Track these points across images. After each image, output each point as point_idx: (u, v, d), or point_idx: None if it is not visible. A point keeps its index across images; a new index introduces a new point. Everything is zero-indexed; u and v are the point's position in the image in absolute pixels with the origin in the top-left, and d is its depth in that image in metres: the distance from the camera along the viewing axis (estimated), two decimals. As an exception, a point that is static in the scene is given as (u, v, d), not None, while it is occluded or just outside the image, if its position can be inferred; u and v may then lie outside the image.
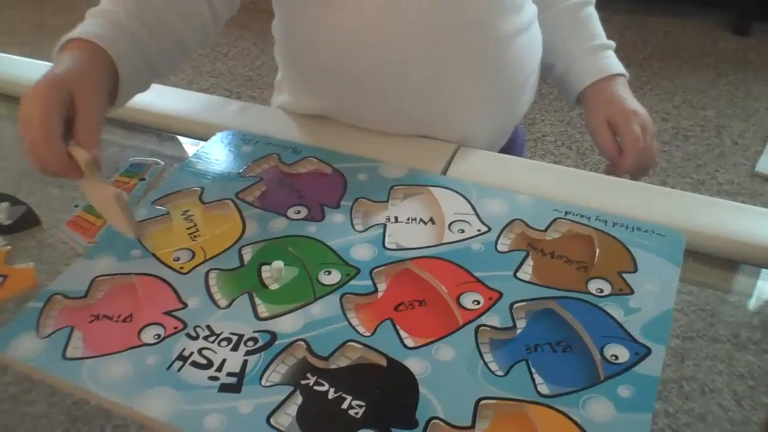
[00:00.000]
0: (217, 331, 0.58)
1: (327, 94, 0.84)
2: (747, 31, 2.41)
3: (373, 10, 0.75)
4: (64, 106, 0.62)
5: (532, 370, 0.55)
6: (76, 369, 0.56)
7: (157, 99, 0.89)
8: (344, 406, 0.53)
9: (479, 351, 0.56)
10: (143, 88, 0.74)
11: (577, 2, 0.91)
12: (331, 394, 0.53)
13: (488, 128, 0.85)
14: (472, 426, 0.51)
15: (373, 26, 0.76)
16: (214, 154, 0.79)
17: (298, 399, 0.53)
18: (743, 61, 2.32)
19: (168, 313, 0.60)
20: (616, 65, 0.89)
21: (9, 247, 0.69)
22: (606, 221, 0.68)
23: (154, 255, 0.66)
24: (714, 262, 0.67)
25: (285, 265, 0.64)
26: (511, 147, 0.95)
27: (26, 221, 0.73)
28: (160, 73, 0.75)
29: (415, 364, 0.55)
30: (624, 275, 0.62)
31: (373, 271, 0.63)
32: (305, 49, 0.83)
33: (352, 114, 0.84)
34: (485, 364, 0.55)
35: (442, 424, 0.51)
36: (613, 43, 0.91)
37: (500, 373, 0.55)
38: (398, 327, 0.58)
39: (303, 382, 0.54)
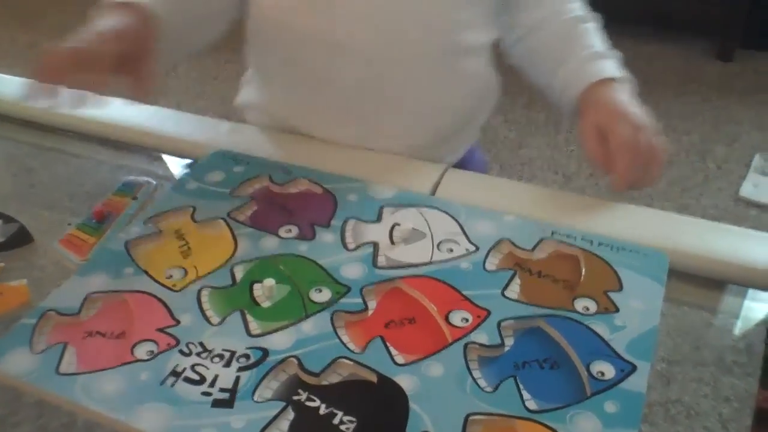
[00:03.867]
0: (210, 348, 0.59)
1: (286, 89, 0.90)
2: (731, 57, 2.45)
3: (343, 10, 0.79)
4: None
5: (520, 386, 0.56)
6: (69, 384, 0.56)
7: (149, 119, 0.90)
8: (335, 421, 0.53)
9: (468, 368, 0.57)
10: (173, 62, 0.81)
11: (574, 18, 0.86)
12: (322, 410, 0.54)
13: (430, 140, 0.88)
14: (462, 440, 0.52)
15: (333, 26, 0.80)
16: (206, 174, 0.80)
17: (290, 415, 0.54)
18: (727, 87, 2.35)
19: (161, 330, 0.61)
20: (611, 69, 0.82)
21: (2, 264, 0.70)
22: (591, 241, 0.69)
23: (146, 273, 0.67)
24: (699, 282, 0.68)
25: (276, 283, 0.65)
26: (465, 167, 0.92)
27: (19, 239, 0.74)
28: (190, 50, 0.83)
29: (405, 381, 0.56)
30: (609, 294, 0.63)
31: (364, 289, 0.64)
32: (266, 43, 0.88)
33: (304, 114, 0.89)
34: (474, 380, 0.56)
35: (431, 439, 0.52)
36: (615, 53, 0.84)
37: (489, 389, 0.55)
38: (388, 344, 0.59)
39: (295, 398, 0.55)
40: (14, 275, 0.69)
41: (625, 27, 2.65)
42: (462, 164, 0.94)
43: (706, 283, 0.68)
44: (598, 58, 0.83)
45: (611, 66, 0.82)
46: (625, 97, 0.79)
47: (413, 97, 0.85)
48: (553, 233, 0.70)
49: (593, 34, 0.86)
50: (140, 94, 0.71)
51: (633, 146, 0.74)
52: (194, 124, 0.91)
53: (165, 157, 0.88)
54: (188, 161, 0.85)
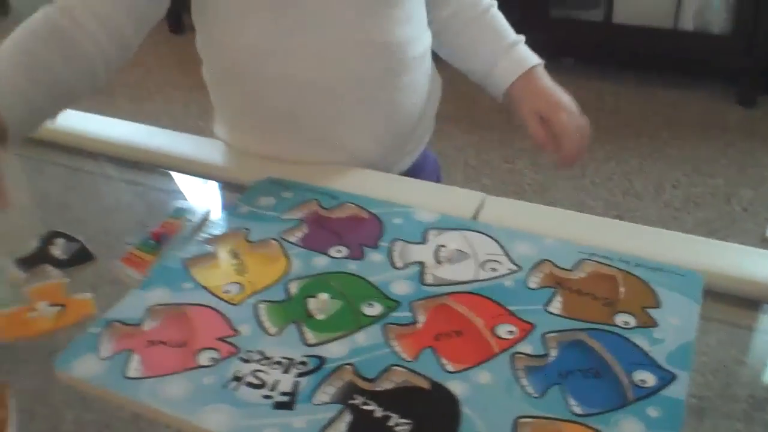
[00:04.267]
0: (269, 356, 0.62)
1: (253, 125, 0.96)
2: (753, 103, 2.48)
3: (275, 32, 0.86)
4: None
5: (566, 392, 0.58)
6: (136, 387, 0.60)
7: (198, 149, 0.95)
8: (391, 423, 0.56)
9: (515, 376, 0.60)
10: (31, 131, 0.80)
11: (482, 10, 1.01)
12: (378, 413, 0.57)
13: (382, 146, 0.96)
14: (512, 441, 0.54)
15: (271, 47, 0.87)
16: (257, 199, 0.84)
17: (348, 417, 0.57)
18: (750, 132, 2.39)
19: (221, 339, 0.64)
20: (531, 57, 0.98)
21: (68, 279, 0.74)
22: (629, 262, 0.72)
23: (204, 288, 0.71)
24: (734, 302, 0.71)
25: (329, 297, 0.68)
26: (417, 173, 1.02)
27: (81, 257, 0.77)
28: (48, 117, 0.81)
29: (455, 387, 0.59)
30: (647, 310, 0.66)
31: (412, 304, 0.68)
32: (219, 62, 0.95)
33: (253, 125, 0.96)
34: (521, 387, 0.59)
35: (483, 439, 0.54)
36: (522, 37, 1.00)
37: (536, 395, 0.58)
38: (438, 354, 0.62)
39: (351, 402, 0.58)
40: (79, 289, 0.73)
41: (650, 74, 2.71)
42: (418, 164, 1.05)
43: (741, 303, 0.71)
44: (515, 45, 0.99)
45: (528, 53, 0.99)
46: (551, 83, 0.97)
47: (376, 114, 0.93)
48: (591, 255, 0.74)
49: (502, 21, 1.01)
50: None
51: (572, 131, 0.94)
52: (236, 154, 0.96)
53: (214, 183, 0.92)
54: (238, 188, 0.89)
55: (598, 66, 2.77)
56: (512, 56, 0.99)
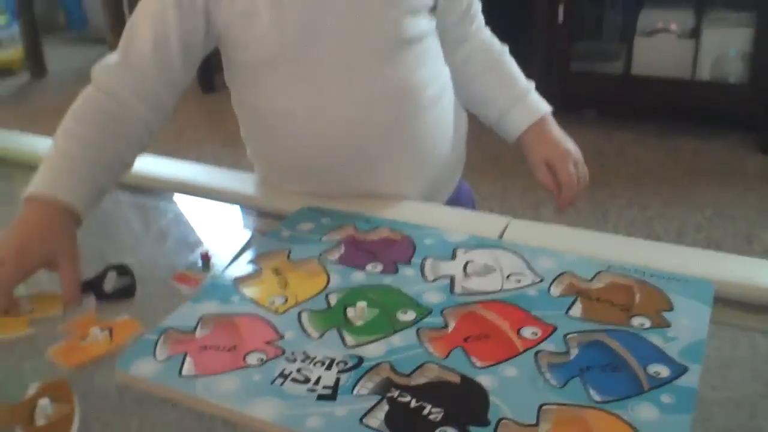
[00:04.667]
0: (312, 356, 0.68)
1: (279, 163, 1.03)
2: (772, 151, 2.53)
3: (297, 91, 0.94)
4: (41, 263, 0.78)
5: (586, 383, 0.63)
6: (191, 384, 0.66)
7: (242, 184, 1.02)
8: (425, 412, 0.61)
9: (539, 370, 0.65)
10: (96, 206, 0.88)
11: (496, 55, 1.08)
12: (413, 404, 0.62)
13: (418, 187, 1.02)
14: (536, 425, 0.59)
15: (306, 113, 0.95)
16: (297, 224, 0.91)
17: (385, 407, 0.62)
18: (770, 177, 2.44)
19: (268, 343, 0.70)
20: (542, 105, 1.06)
21: (93, 309, 0.79)
22: (644, 272, 0.78)
23: (251, 300, 0.77)
24: (745, 309, 0.75)
25: (367, 306, 0.74)
26: (453, 204, 1.09)
27: (123, 293, 0.82)
28: (109, 190, 0.90)
29: (484, 380, 0.64)
30: (662, 313, 0.71)
31: (444, 311, 0.73)
32: (249, 121, 1.03)
33: (287, 178, 1.03)
34: (545, 379, 0.64)
35: (511, 423, 0.59)
36: (532, 83, 1.07)
37: (558, 386, 0.63)
38: (468, 353, 0.68)
39: (388, 395, 0.63)
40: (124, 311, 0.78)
41: (670, 124, 2.77)
42: (454, 197, 1.12)
43: (749, 309, 0.75)
44: (527, 93, 1.06)
45: (539, 101, 1.06)
46: (559, 132, 1.06)
47: (404, 157, 0.99)
48: (608, 267, 0.79)
49: (514, 67, 1.08)
50: (70, 303, 0.78)
51: (575, 181, 1.03)
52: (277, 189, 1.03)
53: (256, 213, 0.99)
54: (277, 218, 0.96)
55: (618, 117, 2.84)
56: (525, 104, 1.05)
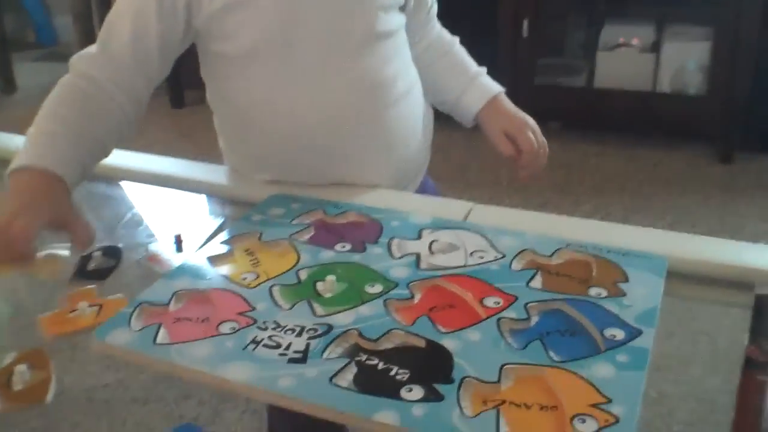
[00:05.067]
0: (283, 324, 0.70)
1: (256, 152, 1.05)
2: (731, 160, 2.60)
3: (276, 83, 0.96)
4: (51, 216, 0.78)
5: (546, 345, 0.66)
6: (165, 351, 0.68)
7: (214, 174, 1.05)
8: (392, 373, 0.64)
9: (501, 335, 0.68)
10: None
11: (448, 45, 1.15)
12: (380, 366, 0.65)
13: (386, 177, 1.04)
14: (498, 382, 0.62)
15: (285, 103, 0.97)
16: (268, 209, 0.93)
17: (354, 369, 0.64)
18: (729, 186, 2.50)
19: (240, 314, 0.72)
20: (494, 86, 1.12)
21: (94, 285, 0.81)
22: (601, 249, 0.81)
23: (224, 277, 0.79)
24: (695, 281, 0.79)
25: (335, 280, 0.77)
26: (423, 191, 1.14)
27: (99, 274, 0.84)
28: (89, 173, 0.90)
29: (448, 343, 0.67)
30: (618, 284, 0.75)
31: (410, 284, 0.76)
32: (226, 113, 1.05)
33: (261, 168, 1.04)
34: (506, 343, 0.67)
35: (474, 381, 0.62)
36: (484, 68, 1.13)
37: (519, 348, 0.66)
38: (433, 320, 0.70)
39: (357, 358, 0.66)
40: (111, 291, 0.80)
41: (632, 135, 2.84)
42: (420, 191, 1.14)
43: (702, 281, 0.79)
44: (479, 76, 1.12)
45: (492, 82, 1.12)
46: (514, 107, 1.11)
47: (375, 148, 1.02)
48: (568, 245, 0.82)
49: (465, 55, 1.15)
50: (82, 246, 0.80)
51: (535, 147, 1.07)
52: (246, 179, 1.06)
53: (228, 202, 1.02)
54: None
55: (582, 129, 2.90)
56: (478, 85, 1.12)
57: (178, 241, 0.87)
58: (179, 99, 3.50)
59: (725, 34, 2.51)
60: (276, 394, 0.63)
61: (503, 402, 0.60)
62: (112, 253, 0.86)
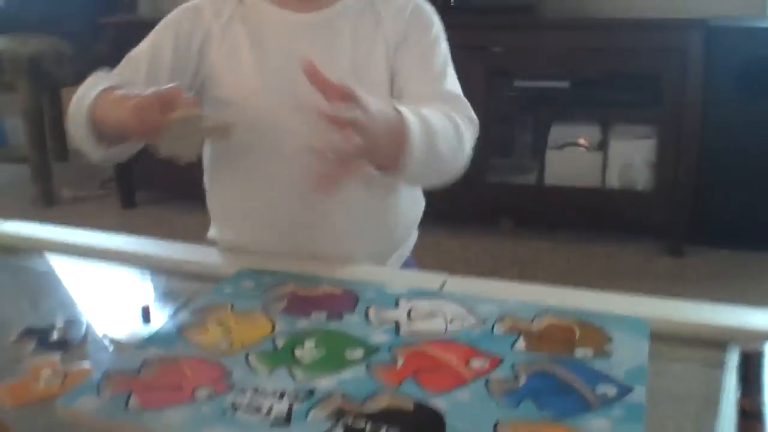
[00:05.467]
0: (262, 389, 0.67)
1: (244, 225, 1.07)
2: (681, 253, 2.65)
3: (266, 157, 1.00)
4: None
5: (539, 404, 0.64)
6: (138, 417, 0.64)
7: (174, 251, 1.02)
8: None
9: (491, 395, 0.66)
10: None
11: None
12: (368, 428, 0.62)
13: (367, 254, 1.03)
14: (493, 439, 0.60)
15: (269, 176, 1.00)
16: (239, 282, 0.91)
17: (340, 430, 0.61)
18: (680, 278, 2.54)
19: (216, 380, 0.69)
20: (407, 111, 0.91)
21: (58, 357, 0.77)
22: (582, 313, 0.80)
23: (196, 345, 0.76)
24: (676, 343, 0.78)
25: (314, 346, 0.74)
26: None
27: (62, 345, 0.80)
28: None
29: (437, 404, 0.64)
30: (603, 346, 0.74)
31: (391, 349, 0.74)
32: (223, 159, 1.06)
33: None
34: (497, 402, 0.65)
35: (467, 439, 0.60)
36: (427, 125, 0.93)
37: (511, 406, 0.64)
38: (419, 382, 0.68)
39: (342, 420, 0.63)
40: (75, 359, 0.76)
41: (583, 230, 2.88)
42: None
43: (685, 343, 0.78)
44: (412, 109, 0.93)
45: (410, 113, 0.91)
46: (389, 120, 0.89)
47: (363, 231, 1.03)
48: (548, 310, 0.81)
49: (434, 113, 0.95)
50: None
51: (344, 121, 0.83)
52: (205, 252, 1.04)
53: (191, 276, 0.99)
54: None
55: (534, 225, 2.94)
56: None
57: (146, 313, 0.84)
58: (131, 199, 3.46)
59: (669, 131, 2.61)
60: (259, 458, 0.59)
61: (499, 460, 0.57)
62: (76, 325, 0.82)
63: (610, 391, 0.66)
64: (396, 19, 1.03)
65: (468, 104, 1.03)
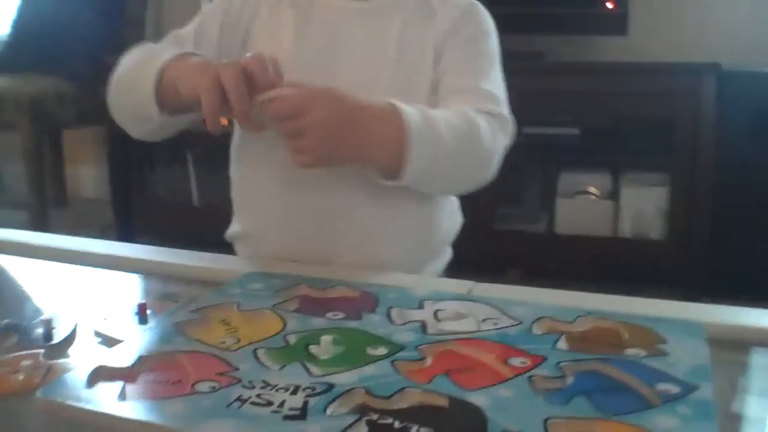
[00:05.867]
0: (273, 383, 0.59)
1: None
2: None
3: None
4: None
5: (592, 401, 0.56)
6: (131, 409, 0.55)
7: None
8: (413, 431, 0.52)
9: (535, 392, 0.57)
10: None
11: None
12: (397, 425, 0.53)
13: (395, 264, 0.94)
14: (546, 434, 0.51)
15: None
16: (245, 284, 0.82)
17: (364, 428, 0.52)
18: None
19: (220, 374, 0.60)
20: (408, 109, 0.86)
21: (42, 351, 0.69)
22: (627, 316, 0.72)
23: (198, 341, 0.67)
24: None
25: (332, 342, 0.65)
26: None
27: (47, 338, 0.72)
28: None
29: (477, 400, 0.56)
30: (656, 345, 0.65)
31: (418, 347, 0.65)
32: (253, 149, 1.00)
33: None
34: (544, 398, 0.56)
35: (515, 434, 0.51)
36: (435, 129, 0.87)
37: (561, 403, 0.55)
38: (452, 380, 0.59)
39: (366, 418, 0.54)
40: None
41: (594, 279, 2.79)
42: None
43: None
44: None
45: (413, 110, 0.86)
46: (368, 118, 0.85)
47: (378, 214, 0.95)
48: (589, 313, 0.73)
49: (439, 114, 0.89)
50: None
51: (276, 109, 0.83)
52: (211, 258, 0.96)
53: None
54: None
55: (543, 275, 2.85)
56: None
57: (142, 311, 0.75)
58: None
59: (681, 178, 2.55)
60: (271, 452, 0.50)
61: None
62: (64, 322, 0.73)
63: (673, 388, 0.57)
64: (449, 15, 0.98)
65: (503, 103, 0.97)
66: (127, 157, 3.11)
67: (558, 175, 2.87)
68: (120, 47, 0.99)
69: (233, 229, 1.05)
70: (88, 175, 3.87)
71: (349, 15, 0.98)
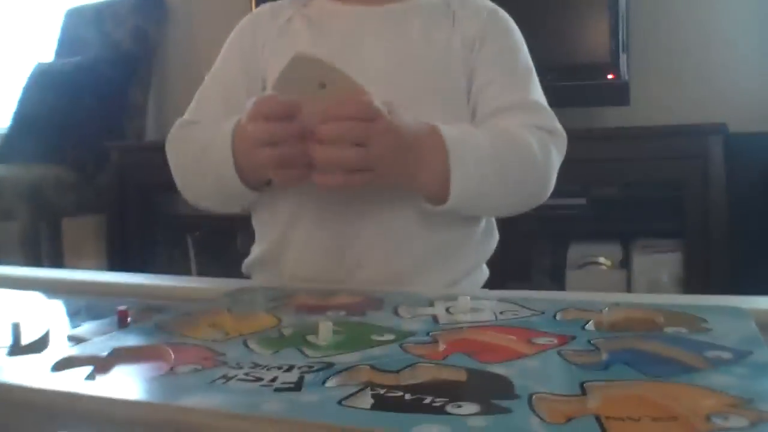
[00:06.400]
0: (264, 364, 0.51)
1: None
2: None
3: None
4: None
5: (634, 367, 0.48)
6: (97, 387, 0.48)
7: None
8: (427, 401, 0.44)
9: (568, 363, 0.50)
10: None
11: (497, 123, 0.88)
12: (408, 397, 0.45)
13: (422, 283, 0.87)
14: (584, 395, 0.43)
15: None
16: (239, 295, 0.75)
17: (369, 399, 0.45)
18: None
19: (204, 359, 0.53)
20: (451, 131, 0.81)
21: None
22: (662, 305, 0.64)
23: (182, 335, 0.60)
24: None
25: (333, 328, 0.58)
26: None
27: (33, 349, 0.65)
28: None
29: (501, 371, 0.48)
30: (699, 324, 0.58)
31: (430, 334, 0.58)
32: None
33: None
34: (578, 368, 0.49)
35: (549, 396, 0.43)
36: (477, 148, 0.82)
37: (599, 369, 0.48)
38: (470, 356, 0.52)
39: (372, 392, 0.46)
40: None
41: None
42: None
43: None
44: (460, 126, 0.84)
45: (456, 131, 0.81)
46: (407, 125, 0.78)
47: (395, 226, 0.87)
48: (617, 304, 0.66)
49: (478, 132, 0.85)
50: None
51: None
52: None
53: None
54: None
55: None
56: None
57: (122, 317, 0.68)
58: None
59: (695, 242, 2.47)
60: (260, 419, 0.42)
61: (596, 418, 0.40)
62: (34, 326, 0.66)
63: (725, 354, 0.50)
64: (473, 19, 0.93)
65: (553, 115, 0.91)
66: (126, 243, 3.06)
67: (567, 246, 2.80)
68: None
69: (252, 256, 0.98)
70: (88, 265, 3.81)
71: (365, 19, 0.93)
